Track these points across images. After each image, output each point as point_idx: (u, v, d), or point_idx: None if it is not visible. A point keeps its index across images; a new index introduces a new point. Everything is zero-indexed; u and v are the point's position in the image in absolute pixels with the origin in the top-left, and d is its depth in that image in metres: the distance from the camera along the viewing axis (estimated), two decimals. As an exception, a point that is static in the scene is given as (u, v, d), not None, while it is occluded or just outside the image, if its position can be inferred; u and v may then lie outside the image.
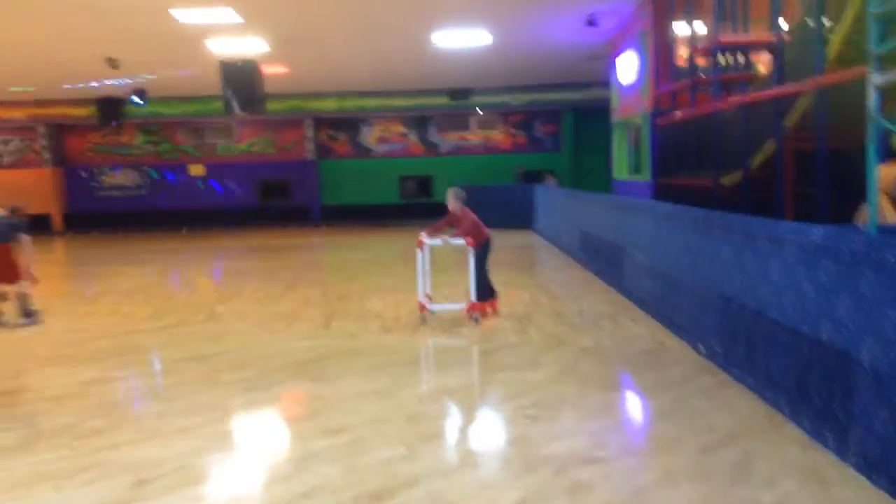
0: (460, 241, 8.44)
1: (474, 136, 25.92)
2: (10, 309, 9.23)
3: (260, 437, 5.01)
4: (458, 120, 25.71)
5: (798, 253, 4.86)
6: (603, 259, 11.16)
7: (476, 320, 8.31)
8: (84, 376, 6.66)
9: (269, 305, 9.96)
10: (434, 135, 25.94)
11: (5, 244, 8.99)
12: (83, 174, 25.66)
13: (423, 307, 8.45)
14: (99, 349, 7.77)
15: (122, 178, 25.81)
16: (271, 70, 18.45)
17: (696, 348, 6.83)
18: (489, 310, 8.75)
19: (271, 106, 21.94)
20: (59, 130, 25.38)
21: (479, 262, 8.53)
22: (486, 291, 8.67)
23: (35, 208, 25.00)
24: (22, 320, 9.17)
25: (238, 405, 5.64)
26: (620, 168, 17.87)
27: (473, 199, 22.02)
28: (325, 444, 4.76)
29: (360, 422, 5.17)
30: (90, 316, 9.84)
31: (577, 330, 7.92)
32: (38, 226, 24.70)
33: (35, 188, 24.98)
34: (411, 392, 5.90)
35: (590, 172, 24.47)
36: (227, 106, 17.08)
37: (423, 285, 8.50)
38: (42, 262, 14.97)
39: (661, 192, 14.35)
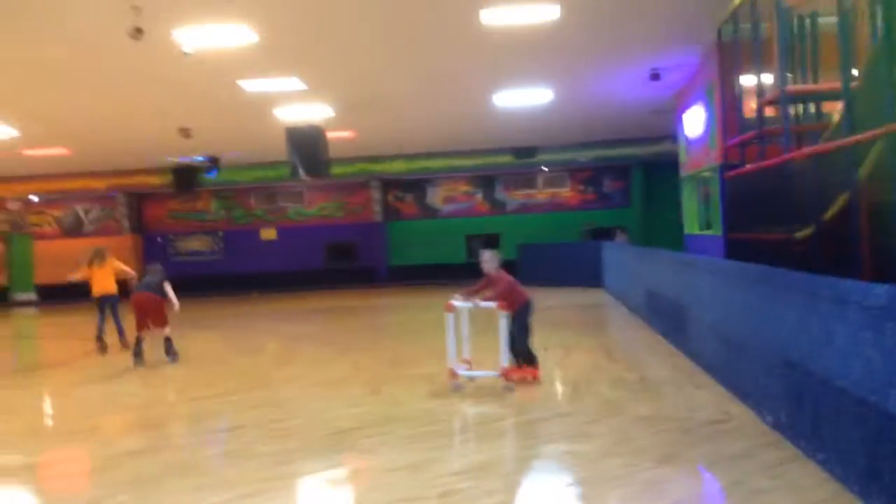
0: (491, 305, 7.98)
1: (541, 194, 25.69)
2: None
3: (285, 516, 4.76)
4: (525, 178, 25.57)
5: (862, 315, 4.41)
6: (668, 319, 10.66)
7: (510, 388, 7.83)
8: (123, 447, 6.57)
9: (321, 370, 9.80)
10: (500, 193, 25.83)
11: (160, 296, 11.23)
12: (160, 240, 26.42)
13: (453, 374, 8.03)
14: (142, 418, 7.71)
15: (196, 243, 26.46)
16: (337, 135, 18.70)
17: (763, 418, 6.32)
18: (529, 377, 8.25)
19: (338, 169, 22.26)
20: (138, 199, 26.28)
21: (520, 327, 8.18)
22: (528, 357, 8.31)
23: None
24: (168, 358, 11.19)
25: (266, 480, 5.41)
26: (691, 223, 17.33)
27: (541, 257, 22.03)
28: (349, 526, 4.49)
29: (389, 500, 4.88)
30: (145, 383, 9.87)
31: (636, 397, 7.47)
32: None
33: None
34: (447, 466, 5.57)
35: (661, 228, 23.81)
36: (293, 170, 17.35)
37: (454, 351, 8.04)
38: (111, 328, 15.29)
39: (734, 247, 13.76)
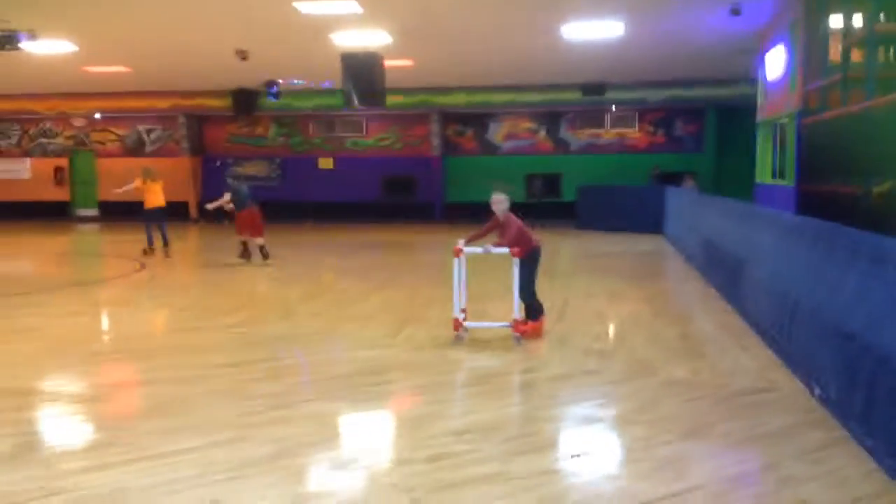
0: (503, 251, 7.25)
1: (608, 134, 24.54)
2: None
3: (254, 469, 4.32)
4: (591, 116, 24.41)
5: (935, 286, 3.68)
6: (723, 272, 9.87)
7: (519, 341, 7.23)
8: (116, 377, 6.29)
9: (349, 307, 9.38)
10: (565, 132, 24.78)
11: (254, 206, 13.53)
12: (218, 163, 26.34)
13: (457, 325, 7.36)
14: (155, 347, 7.43)
15: (254, 168, 26.29)
16: (394, 63, 18.02)
17: (811, 392, 5.62)
18: (538, 331, 7.59)
19: (396, 100, 21.56)
20: (199, 121, 26.16)
21: (527, 275, 7.44)
22: (534, 309, 7.64)
23: (173, 196, 26.01)
24: (267, 261, 13.16)
25: (250, 426, 5.00)
26: (763, 172, 16.23)
27: (601, 200, 21.10)
28: (321, 485, 4.04)
29: (372, 462, 4.42)
30: (169, 308, 9.66)
31: (674, 356, 6.81)
32: (176, 213, 25.66)
33: (174, 177, 25.86)
34: (447, 425, 5.07)
35: (733, 176, 22.53)
36: (347, 98, 16.82)
37: (458, 299, 7.34)
38: (159, 250, 15.25)
39: (806, 199, 12.75)
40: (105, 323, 9.16)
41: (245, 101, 22.79)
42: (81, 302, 10.14)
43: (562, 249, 16.31)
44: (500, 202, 7.56)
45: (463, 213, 24.43)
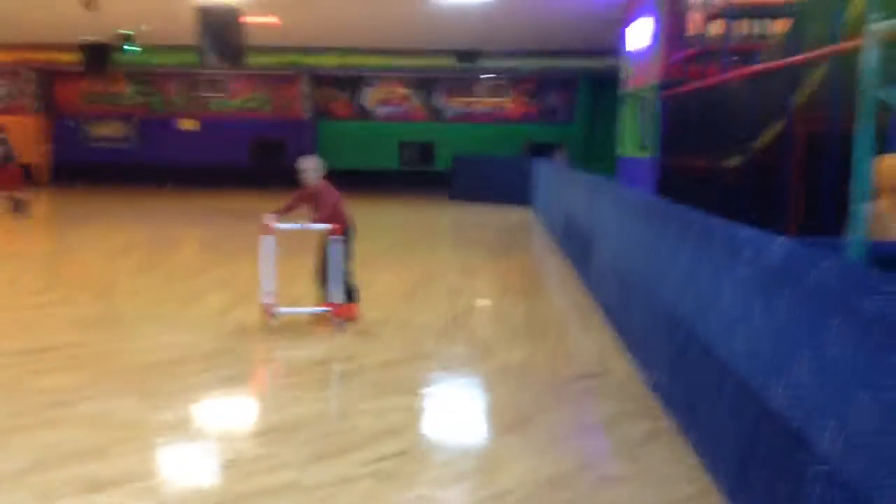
0: (323, 227, 6.54)
1: (482, 103, 24.26)
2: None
3: None
4: (465, 84, 24.05)
5: (753, 275, 3.40)
6: (577, 248, 9.68)
7: (341, 326, 6.55)
8: None
9: (181, 283, 8.64)
10: (439, 99, 24.34)
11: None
12: (71, 124, 24.49)
13: (269, 310, 6.48)
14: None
15: (109, 129, 24.59)
16: (258, 20, 17.03)
17: (644, 377, 5.39)
18: (354, 315, 6.86)
19: (263, 59, 20.54)
20: (50, 77, 24.19)
21: (344, 254, 6.66)
22: (350, 290, 6.85)
23: (21, 158, 24.02)
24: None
25: (15, 430, 4.30)
26: (627, 144, 16.28)
27: (475, 170, 20.81)
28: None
29: (139, 473, 3.83)
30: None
31: (514, 338, 6.48)
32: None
33: (22, 137, 23.89)
34: (248, 425, 4.53)
35: (603, 148, 22.72)
36: (203, 57, 15.84)
37: (269, 283, 6.45)
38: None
39: (666, 172, 12.80)
40: None
41: (97, 56, 21.12)
42: None
43: (429, 221, 15.94)
44: (310, 169, 6.67)
45: (336, 181, 23.64)
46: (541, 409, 4.83)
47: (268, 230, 6.43)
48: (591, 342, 6.40)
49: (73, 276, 9.08)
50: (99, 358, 5.72)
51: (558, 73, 22.39)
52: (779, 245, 3.11)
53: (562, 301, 8.08)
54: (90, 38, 19.97)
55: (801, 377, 2.87)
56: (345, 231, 6.64)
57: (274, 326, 6.47)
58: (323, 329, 6.57)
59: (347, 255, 6.74)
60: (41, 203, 19.67)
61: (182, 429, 4.45)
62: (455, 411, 4.89)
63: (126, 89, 24.48)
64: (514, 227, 14.69)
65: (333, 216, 6.56)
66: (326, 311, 6.65)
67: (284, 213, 6.69)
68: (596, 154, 22.92)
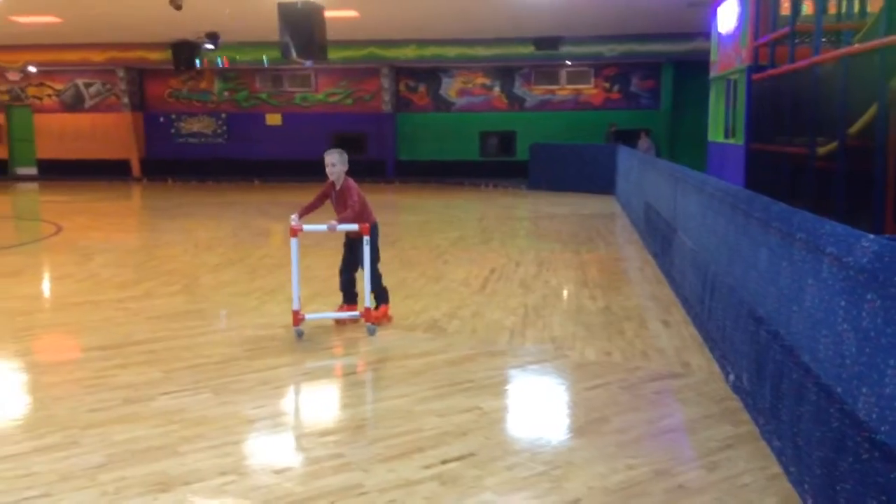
0: (351, 227, 6.20)
1: (563, 90, 23.87)
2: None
3: (70, 484, 3.73)
4: (546, 72, 23.70)
5: (838, 274, 3.16)
6: (659, 239, 9.39)
7: (372, 331, 6.26)
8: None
9: (262, 277, 8.77)
10: (519, 88, 24.07)
11: None
12: (162, 119, 25.31)
13: (298, 317, 6.17)
14: (23, 327, 6.74)
15: (199, 125, 25.31)
16: (338, 14, 17.20)
17: (725, 377, 5.15)
18: (386, 319, 6.61)
19: (344, 53, 20.74)
20: (140, 75, 25.05)
21: (373, 255, 6.34)
22: (381, 291, 6.61)
23: (115, 153, 25.04)
24: None
25: (91, 426, 4.40)
26: (716, 130, 15.75)
27: (554, 158, 20.49)
28: (139, 504, 3.48)
29: (203, 472, 3.86)
30: (64, 279, 8.97)
31: (590, 334, 6.31)
32: (118, 171, 24.73)
33: (115, 133, 24.89)
34: (310, 424, 4.52)
35: (690, 134, 22.08)
36: (285, 51, 16.06)
37: (298, 287, 6.18)
38: (75, 207, 14.51)
39: (754, 159, 12.30)
40: None
41: (185, 54, 21.76)
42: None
43: (505, 211, 15.78)
44: (335, 164, 6.26)
45: (415, 171, 23.79)
46: (616, 410, 4.67)
47: (295, 233, 6.12)
48: (671, 339, 6.17)
49: (158, 271, 9.34)
50: (177, 353, 5.83)
51: (642, 58, 21.83)
52: (866, 243, 2.87)
53: (641, 295, 7.83)
54: (178, 36, 20.60)
55: (892, 387, 2.64)
56: (372, 230, 6.34)
57: (302, 332, 6.17)
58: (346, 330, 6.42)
59: (376, 254, 6.47)
60: (134, 197, 20.42)
61: (252, 425, 4.48)
62: (524, 412, 4.78)
63: (213, 86, 25.12)
64: (593, 217, 14.39)
65: (360, 215, 6.27)
66: (355, 315, 6.46)
67: (308, 212, 6.38)
68: (684, 141, 22.30)
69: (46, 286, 9.00)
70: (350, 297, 6.68)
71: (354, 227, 6.16)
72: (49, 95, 25.59)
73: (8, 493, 3.57)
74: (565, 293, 7.92)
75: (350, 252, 6.52)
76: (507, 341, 6.15)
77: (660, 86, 23.19)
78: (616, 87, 23.63)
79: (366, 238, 6.14)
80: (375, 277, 6.44)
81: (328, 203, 6.57)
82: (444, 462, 3.90)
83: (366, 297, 6.30)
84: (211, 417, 4.54)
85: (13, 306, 7.48)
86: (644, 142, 20.79)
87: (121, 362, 5.59)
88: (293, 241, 6.12)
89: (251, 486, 3.69)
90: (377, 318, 6.43)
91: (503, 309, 7.15)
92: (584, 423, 4.47)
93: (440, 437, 4.20)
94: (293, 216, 6.21)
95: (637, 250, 10.52)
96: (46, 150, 25.64)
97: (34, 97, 25.61)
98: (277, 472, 3.86)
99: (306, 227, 6.17)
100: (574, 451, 4.10)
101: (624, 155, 16.64)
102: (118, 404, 4.73)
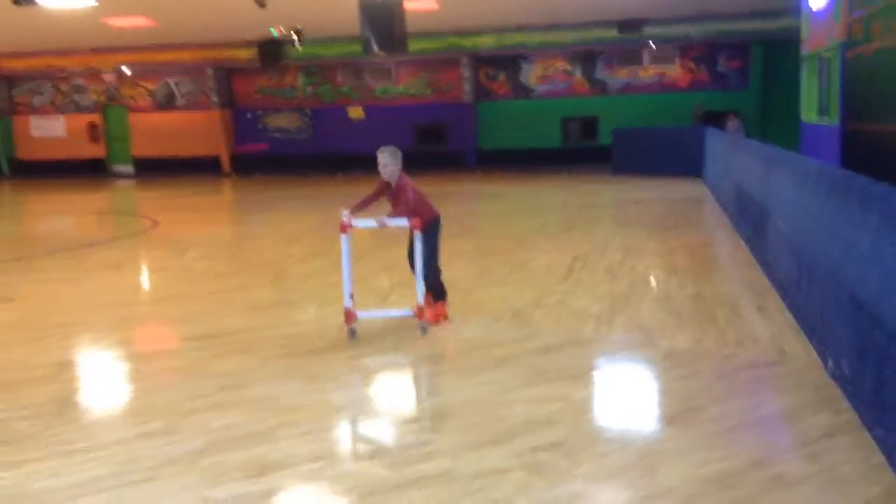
0: (401, 222, 6.02)
1: (647, 73, 23.36)
2: None
3: (173, 468, 3.88)
4: (629, 55, 23.23)
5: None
6: (751, 223, 9.10)
7: (424, 329, 6.08)
8: (64, 356, 5.95)
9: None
10: (602, 72, 23.68)
11: None
12: (249, 116, 25.96)
13: (350, 316, 6.01)
14: (123, 317, 7.05)
15: (285, 120, 25.85)
16: (417, 6, 17.26)
17: (824, 364, 4.97)
18: (444, 317, 6.40)
19: (423, 44, 20.80)
20: (227, 73, 25.73)
21: (429, 250, 6.14)
22: (438, 289, 6.44)
23: (205, 150, 25.84)
24: None
25: (189, 413, 4.57)
26: (808, 109, 15.15)
27: (638, 142, 20.09)
28: (236, 489, 3.59)
29: (299, 457, 3.95)
30: (161, 271, 9.33)
31: (679, 322, 6.18)
32: (208, 167, 25.51)
33: (205, 130, 25.68)
34: (400, 411, 4.57)
35: (780, 114, 21.31)
36: (366, 45, 16.23)
37: (349, 284, 6.01)
38: (169, 202, 15.03)
39: (851, 139, 11.79)
40: (83, 291, 8.32)
41: (271, 51, 22.28)
42: (73, 268, 9.74)
43: (588, 198, 15.58)
44: (387, 163, 6.09)
45: (497, 160, 23.73)
46: (709, 399, 4.56)
47: (345, 229, 5.97)
48: (765, 325, 5.98)
49: (249, 262, 9.61)
50: (269, 342, 5.99)
51: (730, 37, 21.15)
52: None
53: (733, 281, 7.61)
54: (264, 35, 21.07)
55: None
56: (428, 225, 6.11)
57: (355, 331, 5.99)
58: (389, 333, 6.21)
59: (432, 252, 6.25)
60: (224, 192, 21.03)
61: (342, 412, 4.58)
62: (614, 401, 4.71)
63: (298, 81, 25.59)
64: (680, 202, 14.06)
65: (415, 210, 6.05)
66: (408, 313, 6.25)
67: (361, 207, 6.21)
68: (774, 121, 21.55)
69: (145, 279, 9.37)
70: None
71: (404, 222, 5.98)
72: (143, 95, 26.57)
73: (115, 477, 3.74)
74: (653, 280, 7.78)
75: (413, 248, 6.42)
76: (593, 330, 6.08)
77: (748, 65, 22.45)
78: (702, 68, 22.99)
79: (417, 234, 5.98)
80: (430, 273, 6.23)
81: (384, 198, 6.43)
82: (533, 450, 3.89)
83: (418, 294, 6.08)
84: (303, 404, 4.65)
85: (114, 299, 7.82)
86: (733, 123, 20.15)
87: (216, 352, 5.77)
88: (343, 237, 6.00)
89: (343, 471, 3.77)
90: (434, 317, 6.28)
91: (589, 297, 7.07)
92: (677, 412, 4.39)
93: (528, 426, 4.19)
94: (344, 212, 6.04)
95: (727, 235, 10.23)
96: (141, 148, 26.67)
97: (129, 97, 26.64)
98: (368, 457, 3.93)
99: (356, 222, 6.05)
100: (666, 440, 4.03)
101: (712, 137, 16.20)
102: (215, 392, 4.90)
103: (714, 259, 8.97)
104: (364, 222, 6.08)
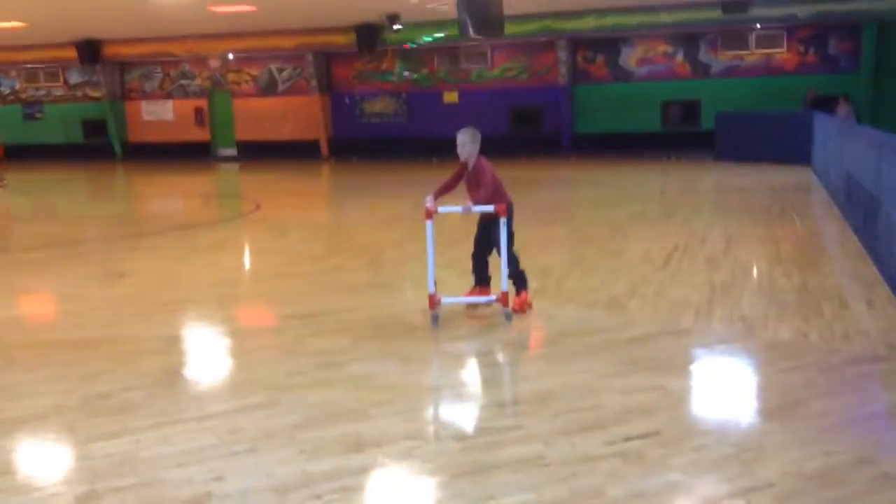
0: (487, 209, 5.88)
1: (752, 55, 22.50)
2: None
3: (272, 441, 4.01)
4: (733, 36, 22.42)
5: None
6: (861, 212, 8.70)
7: (509, 316, 5.97)
8: (173, 330, 6.23)
9: (438, 255, 8.92)
10: (704, 54, 22.94)
11: None
12: (347, 101, 26.39)
13: (434, 301, 5.92)
14: (227, 296, 7.33)
15: (381, 105, 26.15)
16: (513, -12, 17.15)
17: (940, 362, 4.72)
18: (527, 305, 6.25)
19: (519, 27, 20.63)
20: (326, 59, 26.19)
21: (509, 237, 6.04)
22: (518, 275, 6.27)
23: (305, 134, 26.45)
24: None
25: (289, 388, 4.72)
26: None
27: (742, 128, 19.41)
28: (332, 464, 3.69)
29: (394, 434, 4.02)
30: (261, 253, 9.63)
31: (783, 313, 5.97)
32: (307, 151, 26.10)
33: (305, 115, 26.26)
34: (492, 396, 4.59)
35: (893, 98, 20.26)
36: (463, 28, 16.25)
37: (433, 271, 5.94)
38: (271, 185, 15.45)
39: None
40: (190, 270, 8.68)
41: (368, 36, 22.61)
42: (181, 247, 10.22)
43: (688, 184, 15.21)
44: (467, 143, 5.97)
45: (593, 145, 23.39)
46: (812, 393, 4.40)
47: (430, 215, 5.86)
48: (875, 319, 5.73)
49: (346, 245, 9.83)
50: (365, 322, 6.13)
51: (840, 18, 20.16)
52: None
53: (841, 273, 7.31)
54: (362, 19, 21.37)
55: None
56: (507, 212, 5.97)
57: (437, 317, 5.93)
58: (476, 319, 6.20)
59: (510, 238, 6.11)
60: (323, 176, 21.48)
61: (436, 394, 4.65)
62: (712, 393, 4.62)
63: (394, 66, 25.84)
64: (786, 190, 13.55)
65: (495, 195, 5.93)
66: (491, 300, 6.16)
67: (443, 193, 6.12)
68: (888, 106, 20.48)
69: (247, 259, 9.71)
70: (483, 280, 6.44)
71: (490, 208, 5.87)
72: (246, 81, 27.37)
73: (218, 447, 3.90)
74: (756, 270, 7.55)
75: (483, 233, 6.34)
76: (692, 320, 5.94)
77: (860, 47, 21.34)
78: (812, 50, 22.00)
79: (502, 220, 5.87)
80: (512, 260, 6.15)
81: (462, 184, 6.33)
82: (627, 439, 3.85)
83: (502, 281, 6.01)
84: (397, 384, 4.74)
85: (219, 277, 8.14)
86: (843, 108, 19.24)
87: (315, 330, 5.94)
88: (428, 223, 5.91)
89: (436, 451, 3.82)
90: (519, 306, 6.16)
91: (688, 286, 6.92)
92: (778, 406, 4.26)
93: (623, 415, 4.15)
94: (428, 198, 5.93)
95: (836, 225, 9.82)
96: (244, 132, 27.50)
97: (233, 83, 27.48)
98: (460, 439, 3.97)
99: (441, 208, 5.95)
100: (766, 434, 3.92)
101: (821, 122, 15.52)
102: (313, 369, 5.04)
103: (821, 249, 8.63)
104: (449, 208, 6.05)
